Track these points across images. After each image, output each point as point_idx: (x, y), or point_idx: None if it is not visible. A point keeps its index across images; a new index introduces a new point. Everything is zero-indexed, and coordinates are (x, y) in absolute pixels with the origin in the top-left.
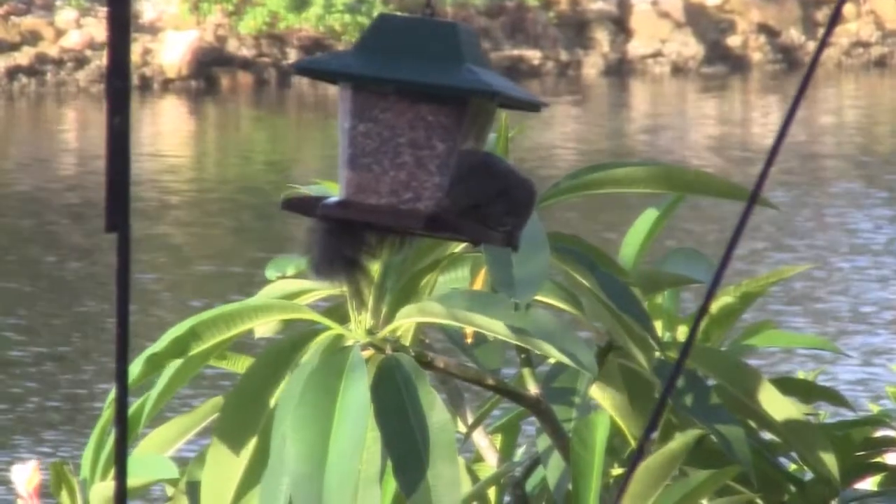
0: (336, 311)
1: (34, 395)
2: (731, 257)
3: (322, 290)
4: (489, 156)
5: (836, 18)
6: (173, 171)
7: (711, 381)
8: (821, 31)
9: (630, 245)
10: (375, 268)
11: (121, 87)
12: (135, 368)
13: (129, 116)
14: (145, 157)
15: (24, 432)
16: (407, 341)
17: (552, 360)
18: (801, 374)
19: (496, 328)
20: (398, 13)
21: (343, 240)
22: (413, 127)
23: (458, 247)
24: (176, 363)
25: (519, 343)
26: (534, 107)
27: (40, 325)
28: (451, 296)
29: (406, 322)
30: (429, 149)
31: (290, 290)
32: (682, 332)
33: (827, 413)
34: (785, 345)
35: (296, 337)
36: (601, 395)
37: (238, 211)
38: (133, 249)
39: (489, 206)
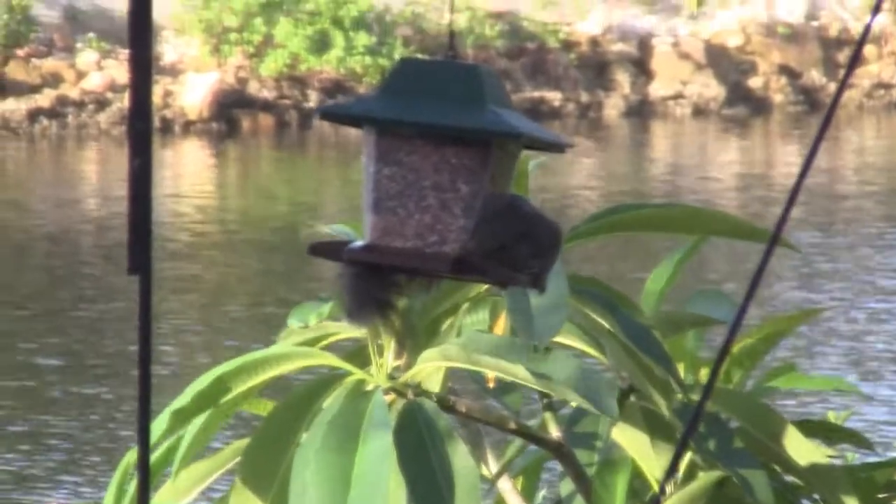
0: (357, 356)
1: (71, 434)
2: (753, 298)
3: (344, 332)
4: (515, 198)
5: (856, 60)
6: (198, 213)
7: (734, 424)
8: (842, 73)
9: (653, 287)
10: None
11: (142, 129)
12: (161, 423)
13: (151, 158)
14: (169, 199)
15: (63, 472)
16: (429, 385)
17: (574, 404)
18: (832, 416)
19: (517, 372)
20: (420, 56)
21: (372, 282)
22: (437, 170)
23: (479, 290)
24: (203, 418)
25: (539, 388)
26: (559, 147)
27: (75, 365)
28: (472, 340)
29: (427, 366)
30: (453, 192)
31: (311, 333)
32: (704, 375)
33: (854, 455)
34: (806, 387)
35: (317, 382)
36: (622, 438)
37: (264, 251)
38: (163, 289)
39: (514, 248)
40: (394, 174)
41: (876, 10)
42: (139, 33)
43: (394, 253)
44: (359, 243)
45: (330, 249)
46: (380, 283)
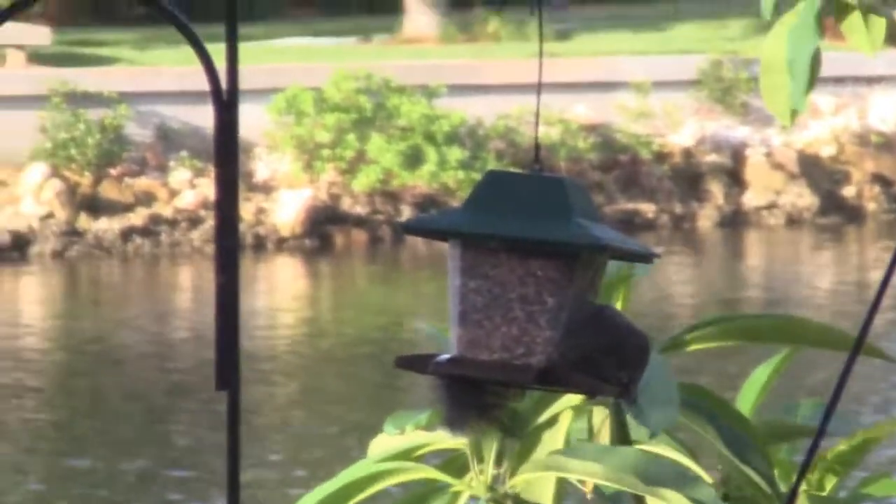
0: (453, 465)
1: None
2: (837, 406)
3: (438, 443)
4: (602, 308)
5: None
6: (294, 330)
7: None
8: None
9: (748, 395)
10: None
11: (229, 246)
12: None
13: (238, 275)
14: (263, 316)
15: None
16: (531, 495)
17: None
18: None
19: (621, 479)
20: (507, 170)
21: (468, 389)
22: (523, 282)
23: (581, 397)
24: None
25: (644, 493)
26: (646, 258)
27: (177, 481)
28: (575, 448)
29: (528, 476)
30: (539, 304)
31: (405, 443)
32: (802, 484)
33: None
34: None
35: (417, 496)
36: None
37: (362, 366)
38: (265, 406)
39: (600, 359)
40: (479, 287)
41: None
42: (225, 151)
43: (480, 365)
44: (445, 356)
45: (417, 362)
46: (476, 390)
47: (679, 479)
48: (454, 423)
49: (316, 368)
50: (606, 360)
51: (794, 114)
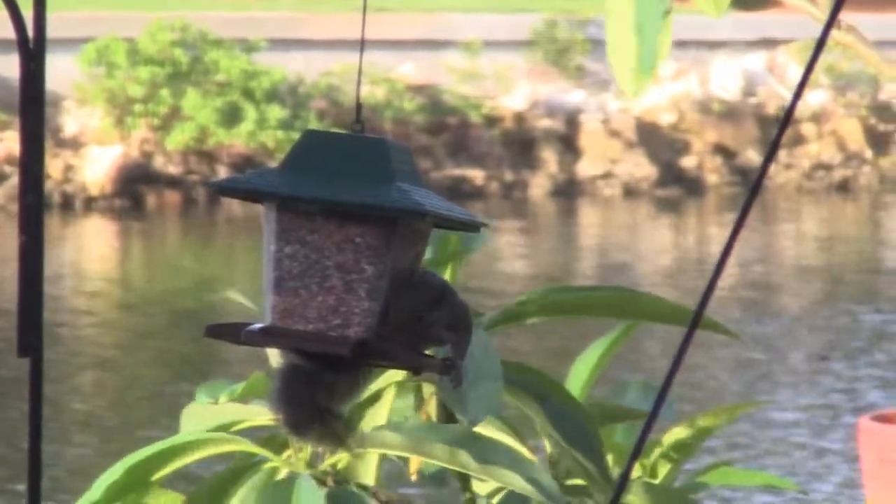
0: (273, 441)
1: None
2: (671, 385)
3: (260, 418)
4: (423, 271)
5: (780, 137)
6: (101, 294)
7: None
8: (780, 153)
9: (580, 373)
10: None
11: (33, 204)
12: None
13: (42, 235)
14: (69, 279)
15: None
16: (353, 473)
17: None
18: None
19: (451, 457)
20: (326, 129)
21: (306, 389)
22: (341, 249)
23: (405, 373)
24: None
25: (476, 473)
26: (472, 227)
27: None
28: (400, 425)
29: (349, 453)
30: (357, 272)
31: (226, 418)
32: (635, 469)
33: None
34: (739, 483)
35: (231, 470)
36: None
37: (171, 332)
38: (64, 374)
39: (430, 316)
40: (295, 253)
41: (799, 89)
42: (30, 103)
43: (294, 336)
44: (258, 325)
45: (228, 331)
46: (315, 390)
47: (510, 460)
48: (296, 427)
49: (122, 335)
50: (436, 315)
51: (641, 83)
